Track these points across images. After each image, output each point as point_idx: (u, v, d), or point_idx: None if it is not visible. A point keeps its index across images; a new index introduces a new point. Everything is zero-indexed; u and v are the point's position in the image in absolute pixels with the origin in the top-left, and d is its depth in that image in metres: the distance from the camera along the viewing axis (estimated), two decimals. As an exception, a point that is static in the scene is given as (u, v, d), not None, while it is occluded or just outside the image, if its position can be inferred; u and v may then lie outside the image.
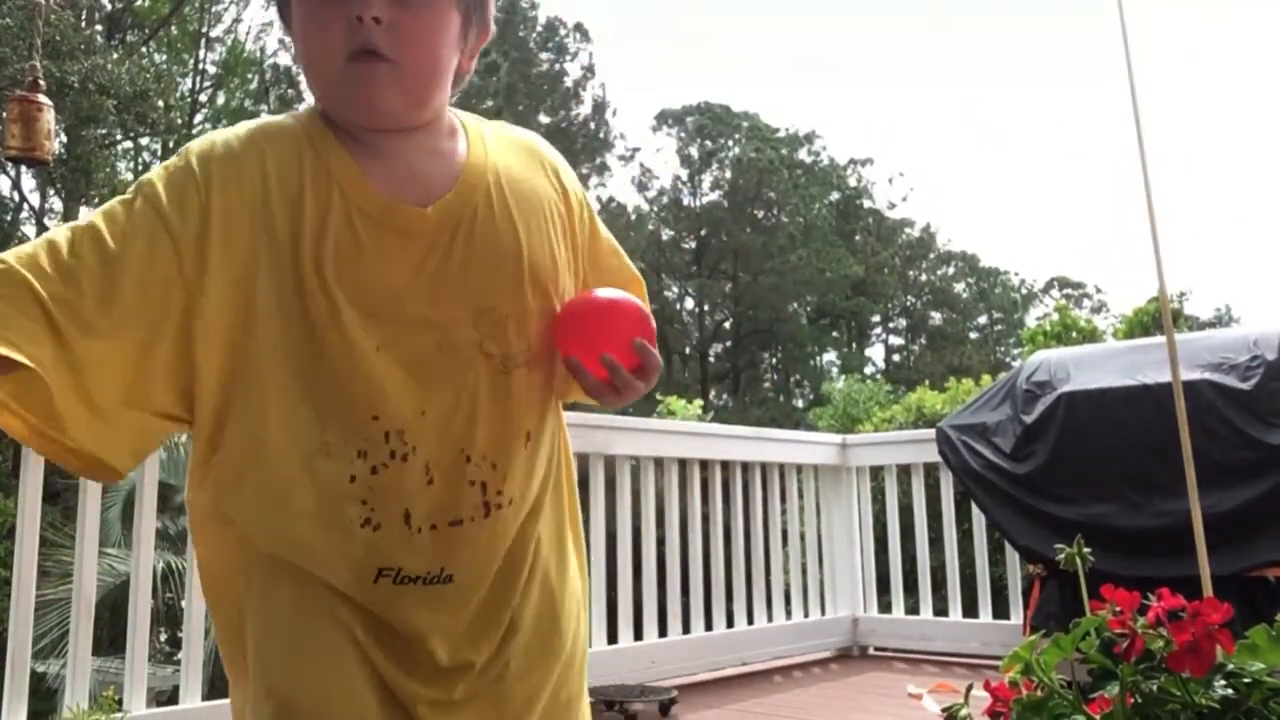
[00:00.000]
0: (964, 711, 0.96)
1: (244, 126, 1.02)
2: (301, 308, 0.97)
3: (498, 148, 1.10)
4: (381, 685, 0.98)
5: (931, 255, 34.64)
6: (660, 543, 3.65)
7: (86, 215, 0.94)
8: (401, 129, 1.04)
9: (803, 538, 4.25)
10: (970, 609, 4.09)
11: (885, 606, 4.29)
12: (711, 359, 30.22)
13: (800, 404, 29.11)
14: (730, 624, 3.91)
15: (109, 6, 20.17)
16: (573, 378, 1.07)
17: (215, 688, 2.64)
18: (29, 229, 19.98)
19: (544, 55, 24.75)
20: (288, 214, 0.97)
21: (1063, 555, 1.03)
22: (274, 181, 0.98)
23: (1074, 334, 12.01)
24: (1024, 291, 35.30)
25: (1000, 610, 4.00)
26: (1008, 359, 29.37)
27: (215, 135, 1.01)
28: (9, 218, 19.10)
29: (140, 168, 22.53)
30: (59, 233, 0.91)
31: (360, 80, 0.99)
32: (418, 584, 0.98)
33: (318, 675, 0.96)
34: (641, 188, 30.60)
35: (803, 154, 32.45)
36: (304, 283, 0.97)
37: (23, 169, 16.15)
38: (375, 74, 0.99)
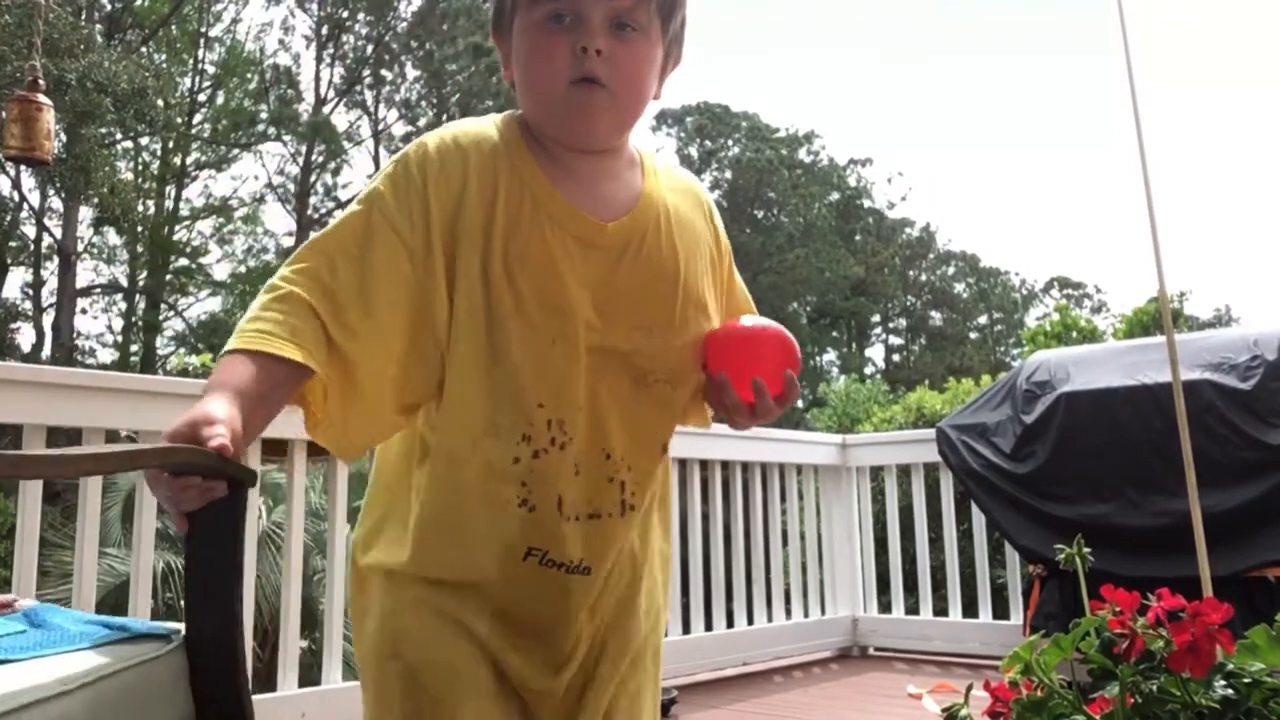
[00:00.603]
0: (964, 711, 0.96)
1: (451, 131, 1.14)
2: (486, 300, 1.07)
3: (668, 184, 1.21)
4: (498, 670, 1.08)
5: (931, 255, 34.65)
6: (660, 542, 3.65)
7: (334, 228, 1.08)
8: (597, 151, 1.15)
9: (803, 538, 4.25)
10: (970, 609, 4.09)
11: (885, 606, 4.29)
12: (711, 359, 30.20)
13: (800, 404, 29.12)
14: (730, 624, 3.91)
15: (109, 6, 20.16)
16: (707, 396, 1.17)
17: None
18: (28, 228, 19.97)
19: (544, 55, 24.78)
20: (483, 214, 1.08)
21: (1062, 555, 1.03)
22: (474, 184, 1.09)
23: (1074, 334, 12.02)
24: (1024, 291, 35.32)
25: (1000, 610, 4.00)
26: (1008, 359, 29.38)
27: (428, 141, 1.12)
28: (9, 217, 19.08)
29: (140, 167, 22.54)
30: (320, 257, 1.06)
31: (581, 104, 1.10)
32: (561, 570, 1.08)
33: (442, 645, 1.07)
34: (641, 187, 30.60)
35: (802, 154, 32.46)
36: (490, 275, 1.07)
37: (22, 168, 16.14)
38: (594, 100, 1.10)
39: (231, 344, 0.99)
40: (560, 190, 1.12)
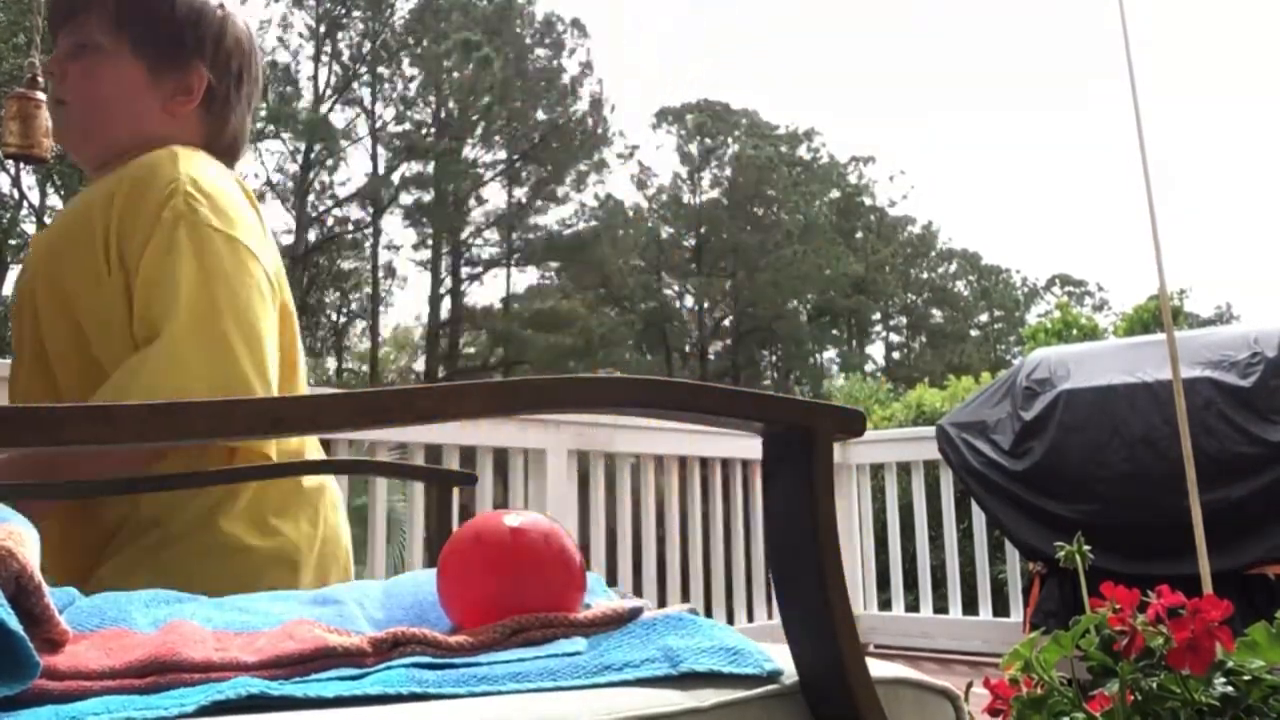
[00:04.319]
0: (964, 709, 0.96)
1: None
2: None
3: (100, 188, 1.17)
4: None
5: (932, 253, 34.64)
6: (660, 541, 3.65)
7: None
8: (99, 168, 1.23)
9: (803, 535, 4.24)
10: (970, 606, 4.09)
11: (885, 604, 4.29)
12: (711, 357, 30.21)
13: (800, 402, 29.00)
14: (731, 621, 3.91)
15: (108, 4, 20.12)
16: None
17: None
18: (29, 226, 19.98)
19: (540, 51, 24.70)
20: None
21: (1062, 553, 1.03)
22: None
23: (1075, 331, 12.02)
24: (1025, 289, 35.31)
25: (1000, 608, 4.00)
26: (1008, 357, 29.37)
27: None
28: (8, 215, 19.09)
29: (140, 165, 22.51)
30: None
31: (55, 124, 1.29)
32: None
33: None
34: (640, 185, 30.59)
35: (802, 151, 32.43)
36: None
37: (22, 166, 16.13)
38: (58, 118, 1.27)
39: None
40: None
